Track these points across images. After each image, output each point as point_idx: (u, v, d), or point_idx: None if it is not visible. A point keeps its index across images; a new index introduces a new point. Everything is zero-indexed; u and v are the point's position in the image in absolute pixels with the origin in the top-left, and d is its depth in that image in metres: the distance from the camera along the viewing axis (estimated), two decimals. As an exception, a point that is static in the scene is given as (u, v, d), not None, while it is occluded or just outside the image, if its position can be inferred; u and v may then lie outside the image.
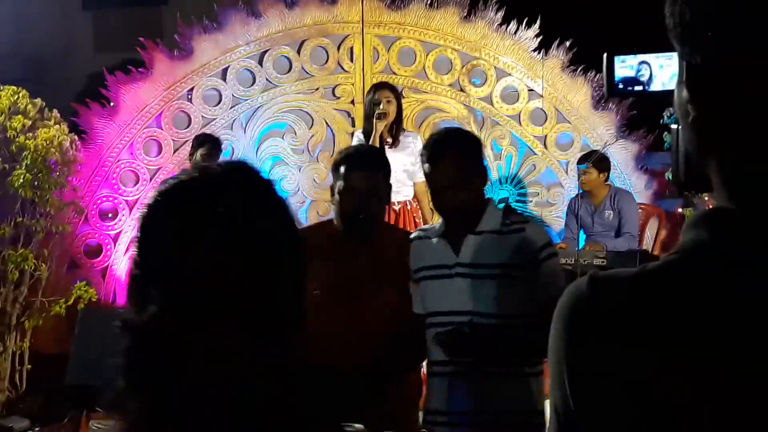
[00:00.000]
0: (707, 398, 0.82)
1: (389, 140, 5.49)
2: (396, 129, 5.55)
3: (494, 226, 2.89)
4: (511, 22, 7.20)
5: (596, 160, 6.25)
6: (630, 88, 1.08)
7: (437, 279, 2.95)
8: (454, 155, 2.88)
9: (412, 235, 3.11)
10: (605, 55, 1.06)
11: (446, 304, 2.92)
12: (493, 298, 2.86)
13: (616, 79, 1.02)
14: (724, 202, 0.91)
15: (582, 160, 6.35)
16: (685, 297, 0.85)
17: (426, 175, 2.91)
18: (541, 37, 7.21)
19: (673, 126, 1.06)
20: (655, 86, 1.05)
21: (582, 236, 6.51)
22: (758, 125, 0.87)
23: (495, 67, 7.24)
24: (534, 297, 2.83)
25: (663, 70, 1.03)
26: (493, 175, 7.26)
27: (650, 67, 1.04)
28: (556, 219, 7.26)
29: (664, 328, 0.84)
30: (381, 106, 5.46)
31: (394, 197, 5.58)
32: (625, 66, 1.04)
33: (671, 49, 0.94)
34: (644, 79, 1.05)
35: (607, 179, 6.45)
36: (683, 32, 0.91)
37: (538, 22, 7.20)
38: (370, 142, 5.39)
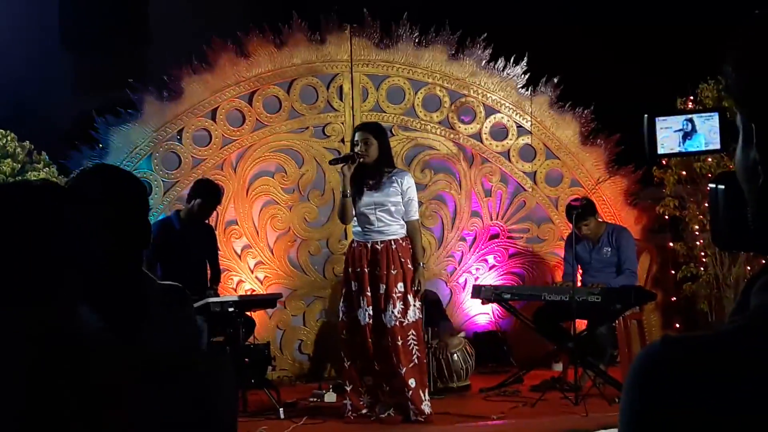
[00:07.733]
0: None
1: (370, 182, 5.24)
2: (377, 170, 5.19)
3: None
4: (499, 60, 7.25)
5: (591, 207, 6.19)
6: (672, 150, 1.06)
7: None
8: None
9: None
10: (645, 116, 1.04)
11: None
12: None
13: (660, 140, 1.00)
14: None
15: (575, 213, 6.09)
16: (758, 363, 0.84)
17: None
18: (528, 74, 7.26)
19: (711, 185, 1.05)
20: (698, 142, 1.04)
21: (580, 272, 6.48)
22: None
23: (483, 104, 7.28)
24: None
25: (705, 125, 1.01)
26: (483, 212, 7.27)
27: (693, 124, 1.03)
28: (548, 255, 7.26)
29: (739, 392, 0.83)
30: (358, 148, 5.17)
31: (378, 237, 5.16)
32: (666, 127, 1.02)
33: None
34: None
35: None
36: (750, 95, 0.89)
37: (526, 59, 7.26)
38: (342, 188, 5.19)
